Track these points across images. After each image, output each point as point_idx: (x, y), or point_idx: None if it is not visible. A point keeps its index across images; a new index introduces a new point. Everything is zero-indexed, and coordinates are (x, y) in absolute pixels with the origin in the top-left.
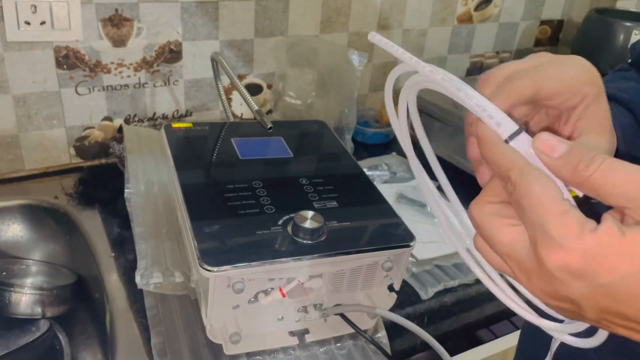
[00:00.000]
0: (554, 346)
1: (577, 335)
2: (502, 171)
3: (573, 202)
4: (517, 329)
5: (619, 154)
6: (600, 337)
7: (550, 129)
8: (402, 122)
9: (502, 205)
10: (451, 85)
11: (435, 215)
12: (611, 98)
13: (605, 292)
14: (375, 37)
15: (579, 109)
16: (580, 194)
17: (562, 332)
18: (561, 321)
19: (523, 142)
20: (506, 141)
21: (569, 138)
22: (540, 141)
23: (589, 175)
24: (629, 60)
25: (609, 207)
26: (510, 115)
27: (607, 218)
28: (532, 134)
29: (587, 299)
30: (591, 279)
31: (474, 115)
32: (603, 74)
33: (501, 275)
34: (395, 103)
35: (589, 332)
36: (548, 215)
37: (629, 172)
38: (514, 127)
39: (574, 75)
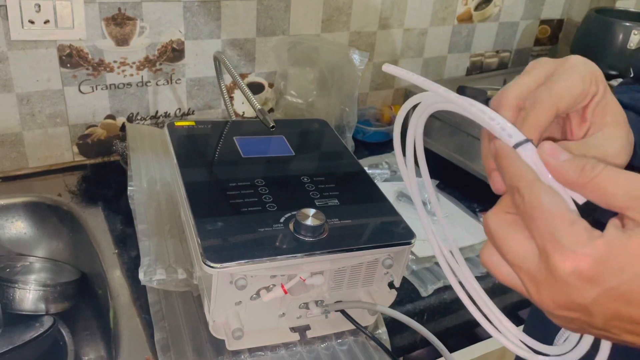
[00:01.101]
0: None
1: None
2: (513, 182)
3: (578, 214)
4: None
5: (636, 162)
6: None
7: (563, 131)
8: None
9: (519, 217)
10: (464, 101)
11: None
12: (627, 107)
13: (616, 295)
14: (390, 68)
15: (590, 107)
16: (581, 202)
17: None
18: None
19: (531, 152)
20: (515, 147)
21: (585, 135)
22: (547, 145)
23: (595, 175)
24: (631, 75)
25: (610, 217)
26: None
27: (611, 225)
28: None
29: (598, 304)
30: (603, 282)
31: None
32: (603, 74)
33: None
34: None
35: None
36: (559, 224)
37: (631, 174)
38: (522, 137)
39: (580, 79)
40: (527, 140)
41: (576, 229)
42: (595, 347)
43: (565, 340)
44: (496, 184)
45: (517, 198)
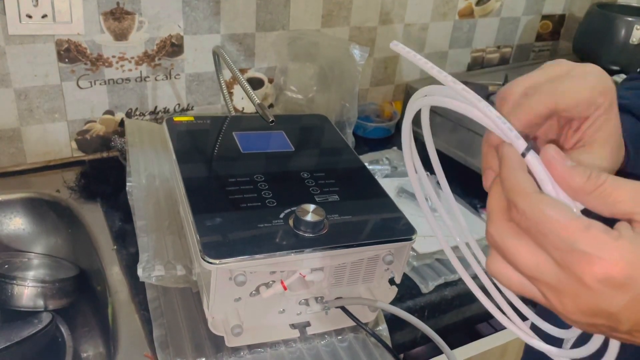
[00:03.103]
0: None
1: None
2: (510, 196)
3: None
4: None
5: (628, 165)
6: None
7: (558, 137)
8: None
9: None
10: (473, 96)
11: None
12: (624, 109)
13: None
14: (398, 47)
15: (591, 119)
16: (579, 210)
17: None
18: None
19: (534, 159)
20: (523, 154)
21: (574, 146)
22: (552, 150)
23: (600, 183)
24: (638, 70)
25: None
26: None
27: (623, 226)
28: (539, 142)
29: (628, 310)
30: (634, 288)
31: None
32: (605, 70)
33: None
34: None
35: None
36: (574, 234)
37: (635, 182)
38: (524, 144)
39: (589, 87)
40: (528, 148)
41: (594, 233)
42: (604, 342)
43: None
44: (488, 182)
45: (514, 213)
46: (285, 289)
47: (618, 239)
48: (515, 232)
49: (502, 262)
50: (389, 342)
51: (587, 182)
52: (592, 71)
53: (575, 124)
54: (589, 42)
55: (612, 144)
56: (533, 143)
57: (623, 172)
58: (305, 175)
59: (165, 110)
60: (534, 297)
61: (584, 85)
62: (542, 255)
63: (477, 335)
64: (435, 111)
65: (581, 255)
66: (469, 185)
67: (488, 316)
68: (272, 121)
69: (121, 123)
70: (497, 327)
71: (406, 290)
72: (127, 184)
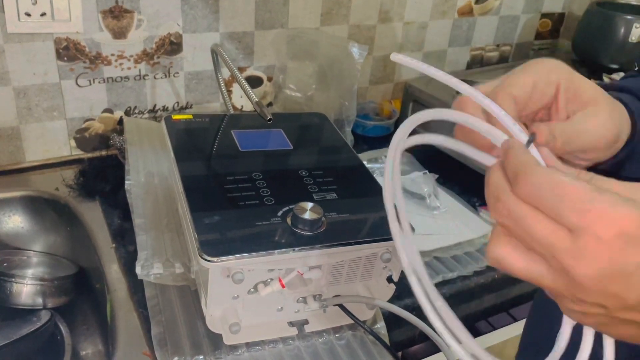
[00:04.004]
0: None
1: None
2: (521, 170)
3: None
4: (515, 320)
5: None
6: None
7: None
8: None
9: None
10: (478, 93)
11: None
12: (624, 90)
13: None
14: (398, 57)
15: (560, 97)
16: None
17: None
18: None
19: (535, 150)
20: (528, 142)
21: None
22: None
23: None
24: (636, 69)
25: None
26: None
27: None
28: None
29: None
30: None
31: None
32: (604, 68)
33: None
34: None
35: None
36: (590, 193)
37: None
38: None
39: (532, 73)
40: (530, 142)
41: (608, 195)
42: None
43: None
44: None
45: (523, 187)
46: (283, 286)
47: (629, 201)
48: (526, 204)
49: (507, 245)
50: (387, 340)
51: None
52: (531, 62)
53: (554, 110)
54: (588, 41)
55: (602, 98)
56: (534, 137)
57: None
58: (304, 173)
59: (164, 109)
60: (539, 278)
61: (527, 74)
62: (556, 225)
63: (475, 333)
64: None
65: (599, 211)
66: (467, 184)
67: (487, 314)
68: (270, 119)
69: (120, 121)
70: (495, 325)
71: (404, 288)
72: (126, 182)
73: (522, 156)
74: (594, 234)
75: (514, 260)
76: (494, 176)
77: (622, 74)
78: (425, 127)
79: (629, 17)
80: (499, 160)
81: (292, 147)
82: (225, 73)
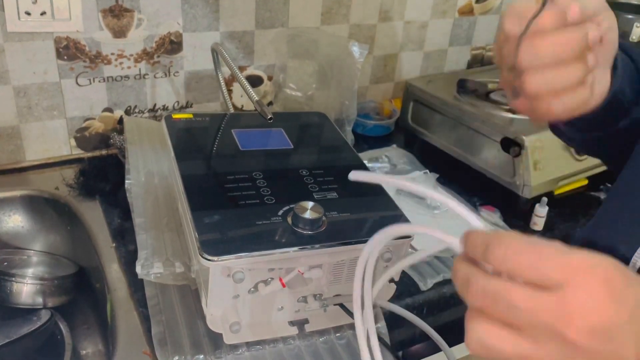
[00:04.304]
0: None
1: None
2: (487, 242)
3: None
4: None
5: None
6: None
7: None
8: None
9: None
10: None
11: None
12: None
13: None
14: (355, 175)
15: None
16: None
17: None
18: None
19: None
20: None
21: None
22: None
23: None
24: None
25: None
26: None
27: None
28: None
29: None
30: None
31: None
32: None
33: None
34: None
35: None
36: (553, 247)
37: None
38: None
39: None
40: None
41: (578, 249)
42: None
43: None
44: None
45: (490, 258)
46: (283, 286)
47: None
48: (497, 279)
49: (486, 323)
50: (387, 340)
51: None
52: None
53: None
54: None
55: None
56: None
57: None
58: (304, 172)
59: (164, 108)
60: (531, 353)
61: None
62: (534, 290)
63: None
64: (434, 109)
65: (580, 261)
66: (468, 183)
67: None
68: (271, 118)
69: (120, 121)
70: None
71: (405, 287)
72: (126, 181)
73: (487, 232)
74: (579, 287)
75: (498, 336)
76: (460, 266)
77: None
78: (427, 128)
79: (629, 16)
80: (459, 255)
81: (292, 147)
82: (226, 72)
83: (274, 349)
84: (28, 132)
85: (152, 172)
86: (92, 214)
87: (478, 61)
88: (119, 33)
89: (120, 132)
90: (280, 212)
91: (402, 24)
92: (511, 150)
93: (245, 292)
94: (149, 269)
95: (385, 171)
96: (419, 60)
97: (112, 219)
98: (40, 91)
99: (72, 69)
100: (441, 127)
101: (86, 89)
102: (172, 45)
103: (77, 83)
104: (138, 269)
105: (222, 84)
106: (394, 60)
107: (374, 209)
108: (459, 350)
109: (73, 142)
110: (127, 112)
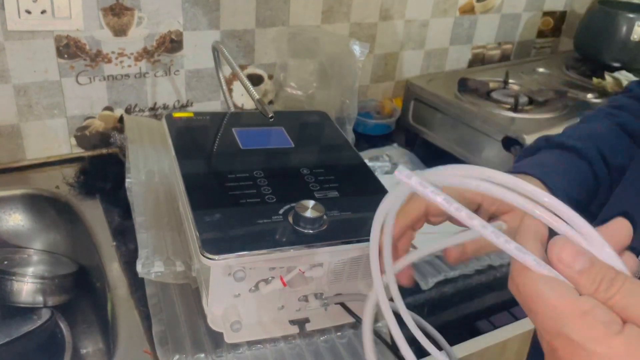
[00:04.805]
0: None
1: None
2: (513, 274)
3: (597, 302)
4: (517, 319)
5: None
6: None
7: None
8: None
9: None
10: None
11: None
12: (571, 149)
13: None
14: (402, 174)
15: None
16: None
17: None
18: None
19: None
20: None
21: None
22: (559, 248)
23: (609, 297)
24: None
25: None
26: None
27: (634, 324)
28: None
29: None
30: None
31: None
32: (606, 66)
33: None
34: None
35: None
36: (565, 316)
37: None
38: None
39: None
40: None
41: (590, 321)
42: None
43: None
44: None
45: (514, 290)
46: (284, 285)
47: (611, 334)
48: None
49: None
50: (388, 339)
51: (595, 295)
52: None
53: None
54: (590, 39)
55: None
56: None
57: None
58: (305, 171)
59: (165, 107)
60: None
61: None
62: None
63: (476, 332)
64: (436, 108)
65: (567, 342)
66: None
67: (488, 313)
68: (272, 117)
69: (120, 119)
70: (497, 324)
71: (405, 287)
72: (127, 180)
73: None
74: None
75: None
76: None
77: (624, 73)
78: (428, 127)
79: (631, 15)
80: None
81: (293, 145)
82: (226, 71)
83: (275, 348)
84: (28, 130)
85: (153, 171)
86: (93, 212)
87: (479, 60)
88: (120, 31)
89: (121, 130)
90: (281, 211)
91: (403, 23)
92: (512, 149)
93: (246, 291)
94: (150, 267)
95: (386, 170)
96: (419, 59)
97: (113, 217)
98: (40, 90)
99: (72, 67)
100: (442, 126)
101: (86, 88)
102: (172, 43)
103: (77, 82)
104: (139, 268)
105: (223, 82)
106: (394, 59)
107: (375, 208)
108: (460, 349)
109: (73, 141)
110: (128, 110)
